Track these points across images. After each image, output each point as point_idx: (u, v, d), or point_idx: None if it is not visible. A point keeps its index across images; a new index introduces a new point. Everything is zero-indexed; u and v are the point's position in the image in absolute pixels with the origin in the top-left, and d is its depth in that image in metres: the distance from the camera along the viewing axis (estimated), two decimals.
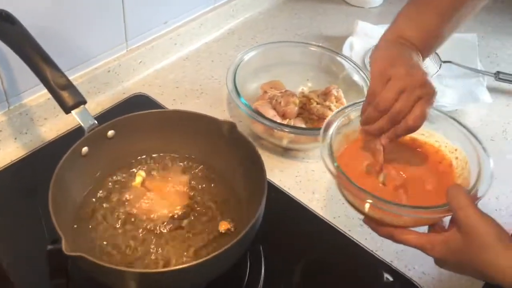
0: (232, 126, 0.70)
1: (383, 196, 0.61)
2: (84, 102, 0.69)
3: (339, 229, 0.81)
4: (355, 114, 0.71)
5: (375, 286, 0.76)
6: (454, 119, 0.71)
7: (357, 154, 0.70)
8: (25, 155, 0.87)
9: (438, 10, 0.70)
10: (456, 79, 1.08)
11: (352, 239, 0.80)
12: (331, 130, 0.68)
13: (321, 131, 0.67)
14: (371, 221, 0.65)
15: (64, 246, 0.54)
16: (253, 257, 0.73)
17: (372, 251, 0.78)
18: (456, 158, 0.70)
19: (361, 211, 0.65)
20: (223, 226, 0.68)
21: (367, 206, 0.63)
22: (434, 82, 0.66)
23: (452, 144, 0.71)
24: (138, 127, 0.73)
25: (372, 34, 1.16)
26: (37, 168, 0.85)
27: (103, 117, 0.94)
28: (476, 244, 0.54)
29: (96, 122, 0.69)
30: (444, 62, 1.09)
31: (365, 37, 1.17)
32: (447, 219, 0.61)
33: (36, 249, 0.72)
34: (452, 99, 1.03)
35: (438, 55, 1.09)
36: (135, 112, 0.75)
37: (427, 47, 0.71)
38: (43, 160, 0.86)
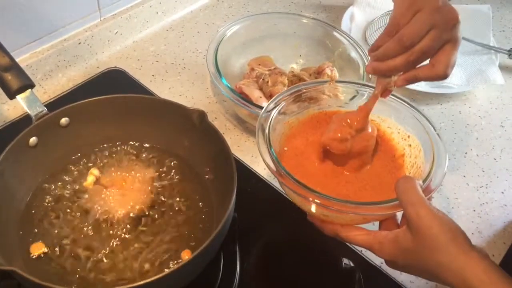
0: (202, 115, 0.62)
1: (328, 189, 0.57)
2: (32, 86, 0.60)
3: None
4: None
5: None
6: (404, 100, 0.66)
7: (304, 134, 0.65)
8: None
9: None
10: (465, 56, 0.98)
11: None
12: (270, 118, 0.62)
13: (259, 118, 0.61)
14: (315, 218, 0.59)
15: None
16: (227, 258, 0.67)
17: (360, 252, 0.71)
18: (409, 145, 0.65)
19: (304, 208, 0.60)
20: (186, 255, 0.59)
21: (311, 205, 0.57)
22: None
23: (405, 130, 0.65)
24: (98, 114, 0.65)
25: (375, 4, 1.06)
26: None
27: (73, 94, 0.87)
28: (428, 245, 0.49)
29: (45, 109, 0.60)
30: None
31: (367, 7, 1.06)
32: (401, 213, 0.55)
33: None
34: (460, 79, 0.94)
35: None
36: (108, 91, 0.67)
37: None
38: (4, 142, 0.79)
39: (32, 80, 0.61)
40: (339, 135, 0.61)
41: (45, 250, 0.57)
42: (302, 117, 0.68)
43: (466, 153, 0.85)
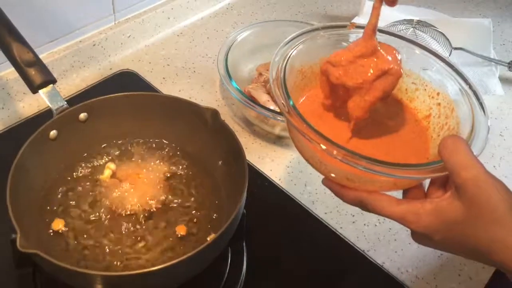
0: (214, 113, 0.64)
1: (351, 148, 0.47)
2: (53, 81, 0.63)
3: (329, 226, 0.76)
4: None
5: None
6: (434, 52, 0.56)
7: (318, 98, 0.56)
8: (1, 131, 0.82)
9: None
10: (466, 67, 1.01)
11: (343, 237, 0.75)
12: (286, 59, 0.53)
13: (273, 57, 0.53)
14: (334, 183, 0.51)
15: (19, 241, 0.49)
16: (234, 254, 0.69)
17: (363, 251, 0.73)
18: (438, 104, 0.56)
19: (321, 168, 0.51)
20: (181, 230, 0.62)
21: (333, 164, 0.48)
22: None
23: (434, 86, 0.56)
24: (115, 111, 0.67)
25: (380, 15, 1.09)
26: (14, 146, 0.80)
27: (87, 94, 0.90)
28: (485, 217, 0.42)
29: (66, 103, 0.63)
30: (455, 48, 1.02)
31: None
32: (426, 181, 0.50)
33: (2, 234, 0.68)
34: None
35: (449, 40, 1.02)
36: (120, 91, 0.69)
37: None
38: (21, 137, 0.81)
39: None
40: (333, 57, 0.52)
41: (64, 229, 0.60)
42: (316, 67, 0.57)
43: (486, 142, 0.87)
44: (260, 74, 0.92)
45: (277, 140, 0.87)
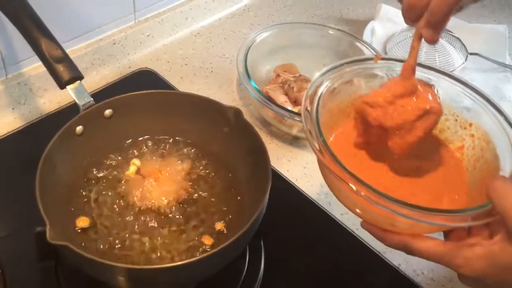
0: (237, 112, 0.65)
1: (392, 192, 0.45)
2: (81, 78, 0.64)
3: (345, 227, 0.77)
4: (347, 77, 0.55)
5: None
6: (465, 82, 0.54)
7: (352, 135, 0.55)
8: (22, 127, 0.83)
9: None
10: (481, 73, 1.02)
11: (359, 238, 0.75)
12: (317, 99, 0.52)
13: (304, 97, 0.52)
14: (375, 227, 0.50)
15: (48, 233, 0.50)
16: (252, 253, 0.69)
17: (379, 252, 0.74)
18: (472, 136, 0.54)
19: (365, 216, 0.50)
20: (202, 227, 0.63)
21: (381, 214, 0.47)
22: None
23: (466, 117, 0.54)
24: (139, 108, 0.68)
25: (396, 19, 1.10)
26: (35, 141, 0.81)
27: (106, 92, 0.91)
28: None
29: (92, 99, 0.64)
30: (471, 54, 1.03)
31: (388, 22, 1.10)
32: None
33: (27, 227, 0.69)
34: None
35: (464, 46, 1.02)
36: (139, 89, 0.70)
37: None
38: (41, 133, 0.81)
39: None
40: (370, 97, 0.51)
41: (87, 225, 0.61)
42: (344, 105, 0.57)
43: None
44: (278, 75, 0.93)
45: (294, 141, 0.88)
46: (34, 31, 0.61)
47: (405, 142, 0.51)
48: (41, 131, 0.83)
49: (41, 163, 0.56)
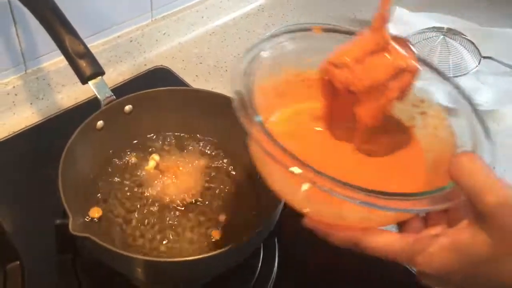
0: None
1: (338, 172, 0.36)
2: (102, 73, 0.65)
3: None
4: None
5: None
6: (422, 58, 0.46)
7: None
8: (40, 122, 0.84)
9: None
10: (495, 77, 1.02)
11: None
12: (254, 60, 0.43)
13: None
14: (319, 223, 0.41)
15: (71, 225, 0.51)
16: (266, 250, 0.70)
17: None
18: (423, 113, 0.47)
19: (303, 205, 0.41)
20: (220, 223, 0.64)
21: (304, 189, 0.38)
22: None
23: (417, 93, 0.46)
24: (158, 104, 0.69)
25: (410, 22, 1.10)
26: (52, 136, 0.82)
27: (122, 89, 0.92)
28: None
29: (113, 95, 0.65)
30: (484, 57, 1.03)
31: (402, 24, 1.10)
32: None
33: (44, 220, 0.70)
34: (488, 98, 0.98)
35: (478, 49, 1.03)
36: (155, 87, 0.71)
37: None
38: (59, 128, 0.83)
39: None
40: (335, 57, 0.43)
41: (100, 215, 0.63)
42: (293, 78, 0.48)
43: (493, 167, 0.88)
44: None
45: None
46: (58, 26, 0.62)
47: (377, 107, 0.43)
48: (58, 126, 0.84)
49: (63, 156, 0.57)
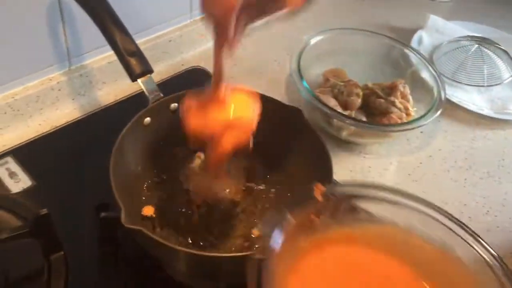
0: (298, 112, 0.67)
1: None
2: (151, 71, 0.67)
3: None
4: None
5: None
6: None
7: None
8: (81, 117, 0.86)
9: None
10: None
11: None
12: None
13: None
14: None
15: (123, 218, 0.52)
16: None
17: None
18: None
19: None
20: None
21: None
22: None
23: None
24: None
25: (443, 30, 1.11)
26: (92, 131, 0.85)
27: (160, 88, 0.93)
28: None
29: (161, 93, 0.67)
30: None
31: (435, 33, 1.11)
32: None
33: (88, 213, 0.72)
34: None
35: None
36: (192, 87, 0.72)
37: None
38: (98, 125, 0.85)
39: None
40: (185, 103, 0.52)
41: (153, 214, 0.64)
42: None
43: None
44: (327, 79, 0.95)
45: (341, 144, 0.89)
46: (111, 25, 0.64)
47: (216, 155, 0.50)
48: (98, 122, 0.86)
49: (114, 150, 0.59)
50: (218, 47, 0.50)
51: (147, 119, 0.65)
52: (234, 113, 0.50)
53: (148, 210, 0.64)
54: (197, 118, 0.50)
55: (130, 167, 0.65)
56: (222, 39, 0.49)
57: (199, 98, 0.51)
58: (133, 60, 0.64)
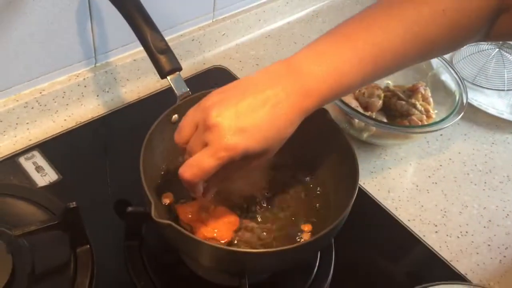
0: (323, 111, 0.68)
1: None
2: (180, 69, 0.67)
3: (413, 232, 0.78)
4: None
5: None
6: None
7: None
8: (105, 114, 0.87)
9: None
10: None
11: (426, 244, 0.77)
12: None
13: None
14: None
15: (153, 212, 0.53)
16: (323, 253, 0.72)
17: (446, 260, 0.75)
18: None
19: None
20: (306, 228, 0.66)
21: None
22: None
23: None
24: None
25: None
26: (116, 127, 0.86)
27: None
28: None
29: (189, 90, 0.67)
30: None
31: None
32: None
33: (107, 208, 0.74)
34: None
35: None
36: (214, 86, 0.72)
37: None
38: (121, 122, 0.87)
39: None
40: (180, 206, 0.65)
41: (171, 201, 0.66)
42: None
43: None
44: None
45: (362, 145, 0.90)
46: (142, 23, 0.65)
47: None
48: (121, 119, 0.87)
49: (144, 146, 0.60)
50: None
51: (175, 116, 0.66)
52: (209, 232, 0.62)
53: (168, 199, 0.66)
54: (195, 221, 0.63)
55: (157, 163, 0.66)
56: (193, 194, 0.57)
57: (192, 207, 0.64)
58: (163, 58, 0.65)
